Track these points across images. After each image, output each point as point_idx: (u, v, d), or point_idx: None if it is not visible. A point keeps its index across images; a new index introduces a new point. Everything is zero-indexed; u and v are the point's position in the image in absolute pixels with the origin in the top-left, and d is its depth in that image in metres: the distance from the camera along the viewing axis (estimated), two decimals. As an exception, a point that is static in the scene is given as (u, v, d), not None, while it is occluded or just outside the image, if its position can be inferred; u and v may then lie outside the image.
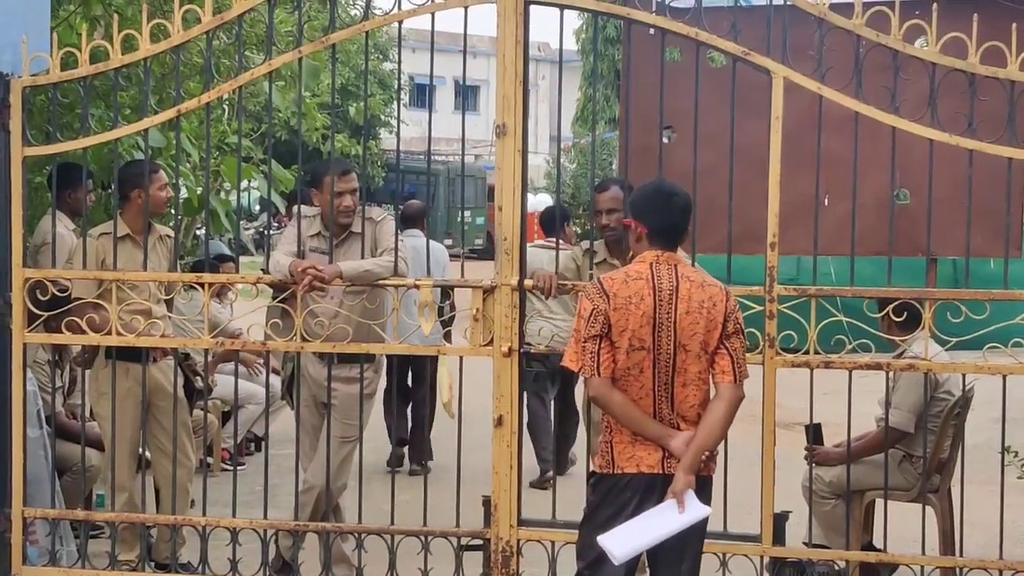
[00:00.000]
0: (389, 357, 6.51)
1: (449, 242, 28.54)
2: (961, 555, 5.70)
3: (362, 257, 5.87)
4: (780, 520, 5.47)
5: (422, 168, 29.07)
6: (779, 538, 5.47)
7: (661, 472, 4.45)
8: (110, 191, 7.28)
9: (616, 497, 4.48)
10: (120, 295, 5.77)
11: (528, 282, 5.53)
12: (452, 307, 8.97)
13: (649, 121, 6.19)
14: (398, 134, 6.09)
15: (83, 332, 5.75)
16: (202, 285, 5.79)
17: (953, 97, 5.28)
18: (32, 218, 6.63)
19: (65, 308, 5.77)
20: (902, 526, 6.13)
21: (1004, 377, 5.40)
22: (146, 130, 5.89)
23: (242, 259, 7.54)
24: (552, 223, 8.07)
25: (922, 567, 5.53)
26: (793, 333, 5.44)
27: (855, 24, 5.28)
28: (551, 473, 8.26)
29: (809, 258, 5.74)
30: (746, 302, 5.21)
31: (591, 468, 4.77)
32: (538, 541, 5.58)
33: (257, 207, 26.70)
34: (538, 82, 39.69)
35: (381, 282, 5.76)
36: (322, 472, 6.01)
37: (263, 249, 6.96)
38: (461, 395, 5.88)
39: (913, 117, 5.32)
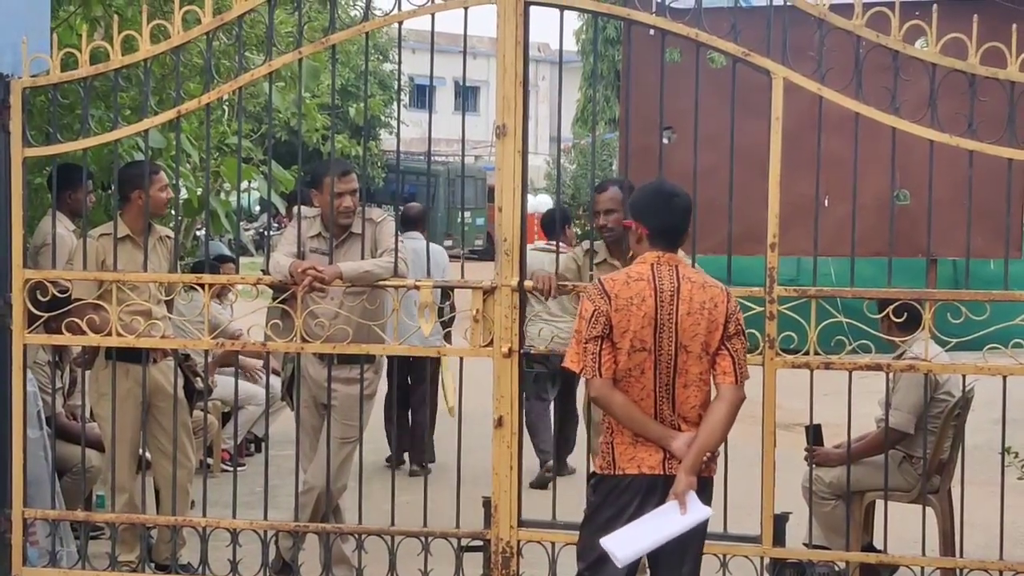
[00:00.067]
0: (389, 357, 6.51)
1: (449, 243, 28.59)
2: (961, 556, 5.70)
3: (362, 258, 5.87)
4: (780, 521, 5.47)
5: (422, 169, 29.06)
6: (779, 539, 5.46)
7: (662, 473, 4.45)
8: (110, 192, 7.27)
9: (617, 498, 4.48)
10: (120, 296, 5.77)
11: (528, 283, 5.53)
12: (452, 308, 8.97)
13: (649, 122, 6.19)
14: (398, 135, 6.09)
15: (83, 333, 5.75)
16: (202, 286, 5.79)
17: (953, 98, 5.28)
18: (32, 219, 6.63)
19: (65, 309, 5.77)
20: (902, 527, 6.13)
21: (1004, 378, 5.40)
22: (146, 131, 5.89)
23: (242, 260, 7.54)
24: (553, 225, 8.07)
25: (922, 568, 5.53)
26: (793, 334, 5.44)
27: (855, 25, 5.28)
28: (551, 463, 8.27)
29: (809, 259, 5.74)
30: (746, 303, 5.21)
31: (592, 469, 4.77)
32: (538, 542, 5.58)
33: (257, 208, 26.70)
34: (538, 83, 39.69)
35: (381, 283, 5.76)
36: (322, 473, 6.01)
37: (263, 250, 6.96)
38: (461, 396, 5.88)
39: (913, 118, 5.32)
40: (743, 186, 5.49)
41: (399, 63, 6.19)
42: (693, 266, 4.77)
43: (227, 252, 11.09)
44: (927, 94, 5.27)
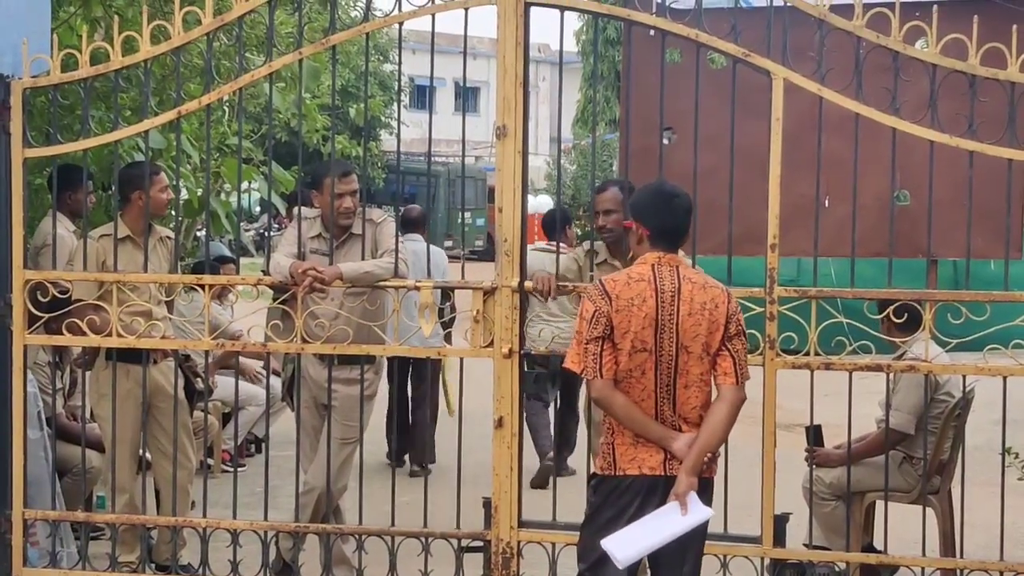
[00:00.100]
0: (390, 358, 6.51)
1: (449, 243, 28.59)
2: (961, 556, 5.70)
3: (362, 258, 5.87)
4: (781, 521, 5.47)
5: (422, 169, 29.07)
6: (780, 539, 5.46)
7: (663, 474, 4.45)
8: (110, 192, 7.28)
9: (618, 499, 4.48)
10: (120, 296, 5.77)
11: (528, 284, 5.53)
12: (452, 308, 8.97)
13: (649, 122, 6.20)
14: (398, 135, 6.10)
15: (83, 334, 5.75)
16: (202, 287, 5.80)
17: (953, 98, 5.28)
18: (32, 219, 6.63)
19: (66, 310, 5.77)
20: (902, 528, 6.13)
21: (1004, 379, 5.40)
22: (146, 131, 5.89)
23: (242, 261, 7.54)
24: (553, 225, 8.08)
25: (922, 568, 5.53)
26: (793, 334, 5.45)
27: (855, 25, 5.28)
28: (551, 454, 8.28)
29: (809, 259, 5.74)
30: (746, 303, 5.21)
31: (592, 470, 4.77)
32: (539, 543, 5.58)
33: (257, 208, 26.69)
34: (538, 83, 39.69)
35: (382, 284, 5.76)
36: (322, 473, 6.01)
37: (263, 251, 6.97)
38: (462, 396, 5.88)
39: (913, 118, 5.33)
40: (743, 187, 5.50)
41: (399, 64, 6.19)
42: (693, 267, 4.77)
43: (227, 253, 11.09)
44: (927, 95, 5.28)
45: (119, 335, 5.74)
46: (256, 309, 6.02)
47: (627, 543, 4.37)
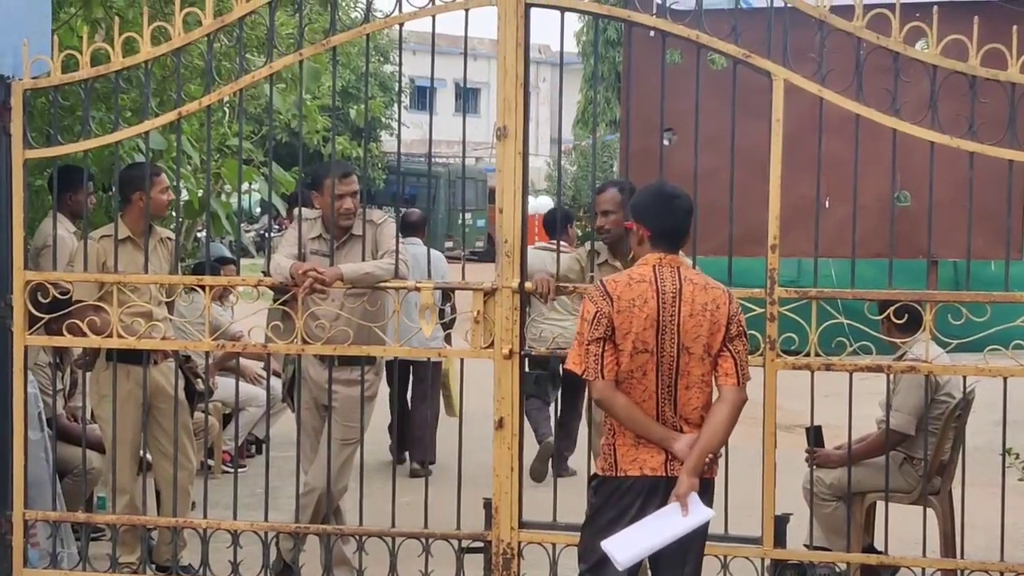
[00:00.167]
0: (389, 359, 6.51)
1: (450, 244, 28.58)
2: (962, 557, 5.71)
3: (363, 259, 5.87)
4: (781, 522, 5.47)
5: (423, 170, 29.08)
6: (780, 540, 5.46)
7: (664, 475, 4.45)
8: (111, 194, 7.28)
9: (619, 500, 4.48)
10: (121, 297, 5.77)
11: (528, 285, 5.53)
12: (453, 310, 8.97)
13: (650, 123, 6.20)
14: (399, 136, 6.10)
15: (84, 334, 5.75)
16: (203, 288, 5.80)
17: (954, 99, 5.28)
18: (33, 220, 6.63)
19: (66, 311, 5.77)
20: (903, 528, 6.13)
21: (1005, 379, 5.40)
22: (147, 132, 5.89)
23: (243, 261, 7.54)
24: (555, 225, 8.09)
25: (923, 569, 5.53)
26: (794, 335, 5.45)
27: (856, 26, 5.28)
28: (550, 439, 8.29)
29: (810, 260, 5.74)
30: (747, 304, 5.21)
31: (593, 470, 4.77)
32: (539, 543, 5.58)
33: (258, 209, 26.69)
34: (539, 84, 39.69)
35: (382, 284, 5.76)
36: (323, 474, 6.01)
37: (264, 251, 6.97)
38: (462, 397, 5.89)
39: (914, 119, 5.33)
40: (744, 188, 5.50)
41: (400, 65, 6.19)
42: (694, 267, 4.77)
43: (228, 254, 11.12)
44: (928, 96, 5.28)
45: (119, 336, 5.74)
46: (256, 310, 6.03)
47: (627, 544, 4.37)
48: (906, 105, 5.34)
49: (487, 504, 5.58)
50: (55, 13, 6.87)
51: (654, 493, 4.45)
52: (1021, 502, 6.28)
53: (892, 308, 5.50)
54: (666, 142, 6.66)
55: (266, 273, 5.95)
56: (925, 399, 5.85)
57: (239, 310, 9.09)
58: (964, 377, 5.81)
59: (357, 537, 5.80)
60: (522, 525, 5.56)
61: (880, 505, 6.09)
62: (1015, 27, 5.23)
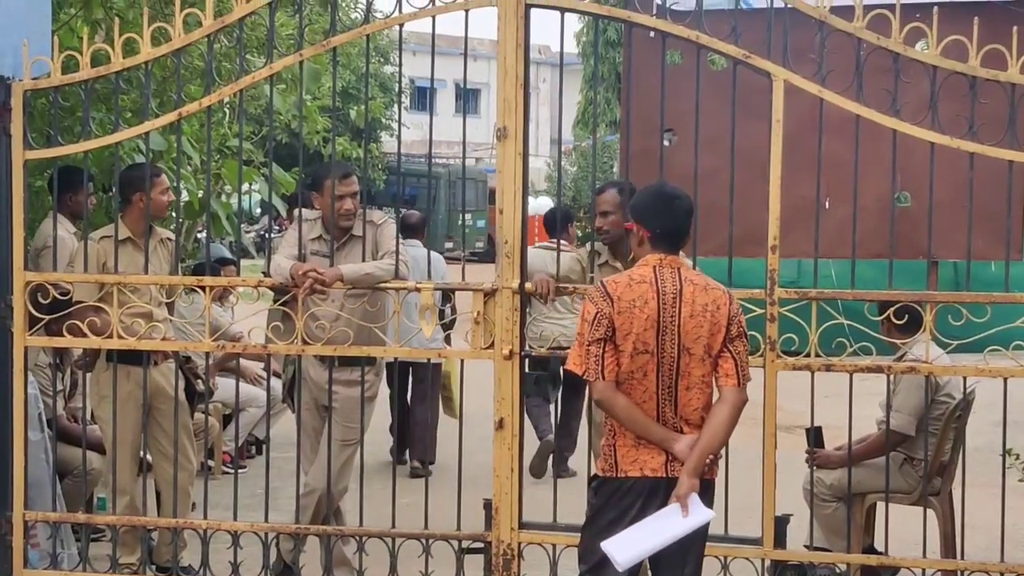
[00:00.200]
0: (389, 360, 6.51)
1: (450, 245, 28.56)
2: (962, 558, 5.71)
3: (363, 260, 5.87)
4: (781, 523, 5.47)
5: (423, 171, 29.09)
6: (780, 541, 5.46)
7: (665, 476, 4.45)
8: (111, 194, 7.28)
9: (619, 501, 4.48)
10: (121, 298, 5.77)
11: (528, 286, 5.53)
12: (453, 310, 8.96)
13: (650, 124, 6.20)
14: (399, 137, 6.10)
15: (84, 335, 5.76)
16: (203, 288, 5.80)
17: (954, 100, 5.28)
18: (33, 221, 6.63)
19: (66, 311, 5.77)
20: (903, 529, 6.13)
21: (1005, 380, 5.40)
22: (147, 133, 5.90)
23: (243, 262, 7.55)
24: (555, 224, 8.09)
25: (923, 570, 5.53)
26: (794, 336, 5.45)
27: (856, 27, 5.29)
28: (550, 437, 8.28)
29: (810, 261, 5.74)
30: (747, 305, 5.21)
31: (593, 471, 4.77)
32: (539, 544, 5.58)
33: (258, 210, 26.70)
34: (539, 85, 39.67)
35: (382, 285, 5.76)
36: (323, 475, 6.01)
37: (264, 252, 6.97)
38: (462, 398, 5.89)
39: (914, 120, 5.33)
40: (744, 188, 5.50)
41: (400, 65, 6.19)
42: (694, 268, 4.77)
43: (228, 254, 11.11)
44: (928, 96, 5.28)
45: (120, 337, 5.74)
46: (257, 311, 6.03)
47: (627, 545, 4.37)
48: (906, 106, 5.34)
49: (487, 505, 5.58)
50: (55, 14, 6.87)
51: (654, 494, 4.45)
52: (1021, 503, 6.28)
53: (892, 309, 5.49)
54: (666, 143, 6.66)
55: (266, 274, 5.95)
56: (925, 400, 5.85)
57: (239, 311, 9.07)
58: (964, 378, 5.81)
59: (357, 538, 5.80)
60: (522, 526, 5.56)
61: (880, 506, 6.09)
62: (1015, 28, 5.23)
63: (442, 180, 32.27)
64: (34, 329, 5.79)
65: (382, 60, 30.13)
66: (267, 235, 6.67)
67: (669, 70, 5.64)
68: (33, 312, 5.75)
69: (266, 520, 5.87)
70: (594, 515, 4.57)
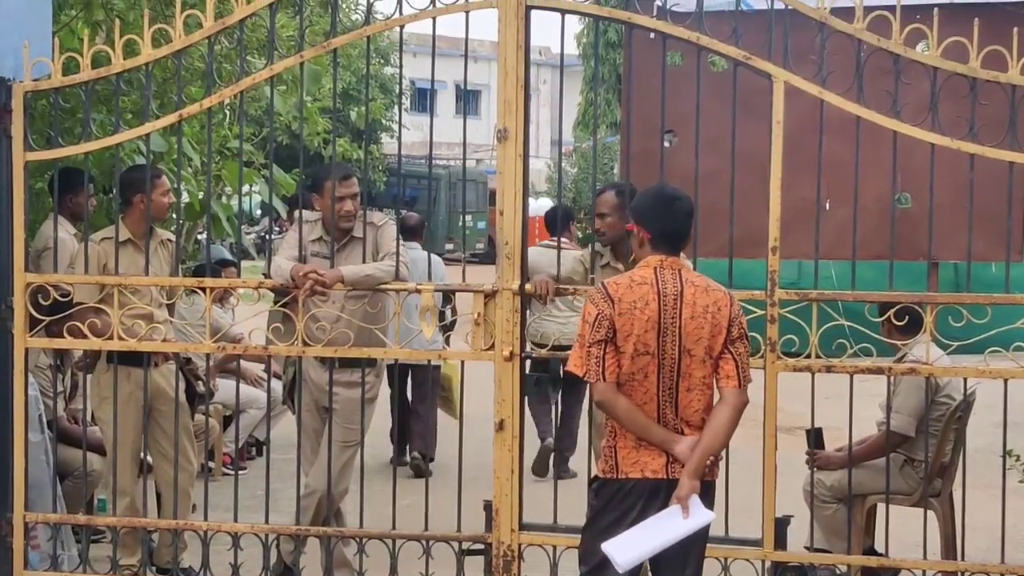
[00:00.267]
0: (389, 362, 6.51)
1: (450, 246, 28.56)
2: (963, 559, 5.70)
3: (363, 261, 5.87)
4: (782, 524, 5.47)
5: (423, 172, 29.09)
6: (780, 542, 5.46)
7: (665, 477, 4.44)
8: (111, 196, 7.28)
9: (620, 502, 4.48)
10: (122, 300, 5.77)
11: (528, 287, 5.53)
12: (454, 312, 8.96)
13: (650, 125, 6.19)
14: (399, 138, 6.10)
15: (84, 337, 5.76)
16: (203, 290, 5.80)
17: (954, 101, 5.28)
18: (33, 223, 6.63)
19: (67, 313, 5.77)
20: (904, 530, 6.13)
21: (1005, 381, 5.40)
22: (148, 135, 5.90)
23: (243, 264, 7.55)
24: (556, 223, 8.09)
25: (923, 571, 5.53)
26: (794, 337, 5.45)
27: (856, 28, 5.29)
28: (550, 440, 8.28)
29: (810, 262, 5.74)
30: (747, 306, 5.21)
31: (594, 473, 4.77)
32: (540, 545, 5.58)
33: (258, 211, 26.70)
34: (539, 86, 39.68)
35: (383, 287, 5.76)
36: (323, 476, 6.01)
37: (264, 254, 6.97)
38: (462, 399, 5.89)
39: (914, 121, 5.33)
40: (744, 190, 5.50)
41: (400, 67, 6.19)
42: (694, 269, 4.77)
43: (228, 256, 11.11)
44: (928, 97, 5.28)
45: (120, 338, 5.74)
46: (257, 312, 6.03)
47: (628, 547, 4.37)
48: (907, 107, 5.34)
49: (487, 506, 5.58)
50: (56, 15, 6.88)
51: (655, 495, 4.45)
52: (1021, 504, 6.28)
53: (893, 310, 5.49)
54: (667, 144, 6.66)
55: (266, 275, 5.95)
56: (925, 401, 5.85)
57: (240, 312, 9.07)
58: (964, 379, 5.81)
59: (358, 539, 5.80)
60: (522, 527, 5.56)
61: (881, 507, 6.08)
62: (1015, 29, 5.23)
63: (442, 181, 32.27)
64: (35, 330, 5.79)
65: (382, 61, 30.14)
66: (267, 236, 6.68)
67: (669, 71, 5.64)
68: (34, 313, 5.75)
69: (266, 521, 5.87)
70: (595, 516, 4.57)
